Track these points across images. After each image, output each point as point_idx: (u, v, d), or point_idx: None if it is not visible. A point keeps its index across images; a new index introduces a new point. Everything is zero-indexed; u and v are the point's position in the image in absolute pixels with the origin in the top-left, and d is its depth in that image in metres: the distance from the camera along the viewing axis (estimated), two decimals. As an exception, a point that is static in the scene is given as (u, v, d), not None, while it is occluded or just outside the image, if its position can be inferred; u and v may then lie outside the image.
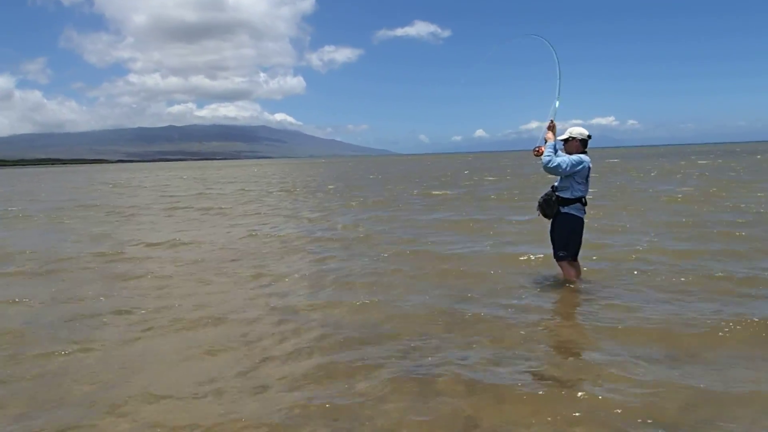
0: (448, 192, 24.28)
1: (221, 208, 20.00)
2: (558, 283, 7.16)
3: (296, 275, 8.52)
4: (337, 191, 27.91)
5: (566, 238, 6.77)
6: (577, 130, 6.73)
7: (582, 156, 6.59)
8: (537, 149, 6.73)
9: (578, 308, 6.39)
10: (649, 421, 3.74)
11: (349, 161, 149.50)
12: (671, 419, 3.77)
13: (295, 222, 15.48)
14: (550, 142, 6.68)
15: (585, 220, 6.88)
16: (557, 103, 6.98)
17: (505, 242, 10.71)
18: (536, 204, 7.01)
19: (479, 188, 26.34)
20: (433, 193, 24.13)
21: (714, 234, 10.60)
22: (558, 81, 7.08)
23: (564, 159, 6.48)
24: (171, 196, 28.63)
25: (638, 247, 9.40)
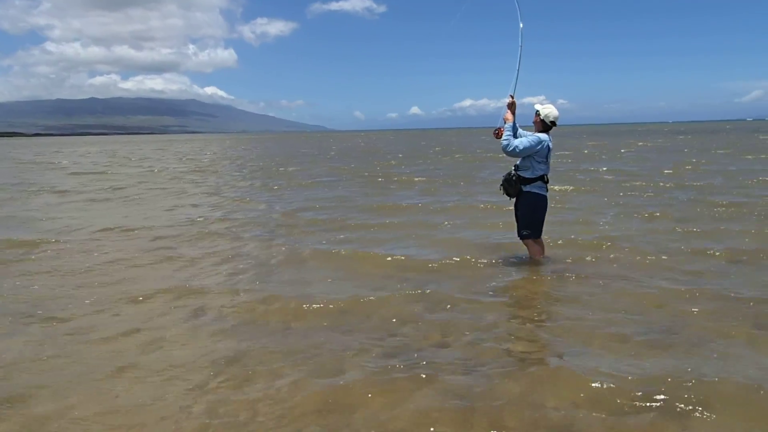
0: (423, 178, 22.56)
1: (121, 188, 18.32)
2: (524, 262, 7.19)
3: (212, 261, 7.86)
4: (264, 169, 26.38)
5: (530, 216, 6.80)
6: (546, 111, 6.72)
7: (541, 135, 6.63)
8: (497, 131, 6.72)
9: (547, 285, 6.41)
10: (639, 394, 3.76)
11: (283, 137, 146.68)
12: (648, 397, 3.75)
13: (216, 203, 14.17)
14: (509, 124, 6.66)
15: (548, 198, 6.95)
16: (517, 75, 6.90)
17: (444, 224, 10.26)
18: (499, 184, 7.04)
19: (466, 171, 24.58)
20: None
21: (672, 209, 10.98)
22: (520, 44, 7.01)
23: (522, 141, 6.54)
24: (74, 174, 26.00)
25: (598, 226, 9.63)
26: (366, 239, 9.10)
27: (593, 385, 3.88)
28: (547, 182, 6.81)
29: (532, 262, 7.06)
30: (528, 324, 5.28)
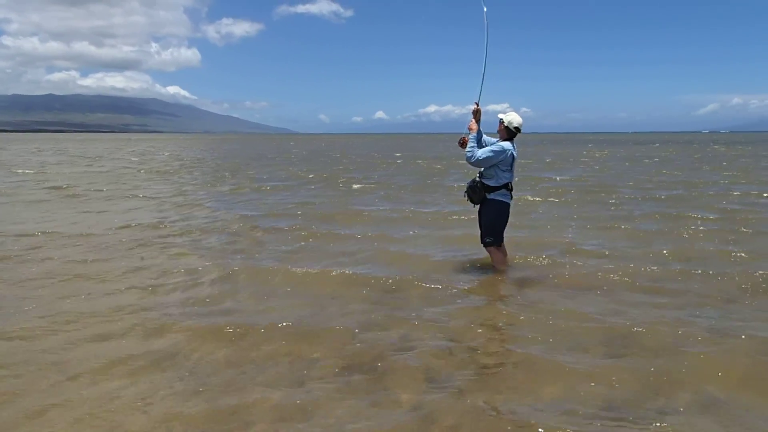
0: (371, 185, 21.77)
1: (60, 188, 17.27)
2: (487, 269, 7.15)
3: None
4: (222, 170, 25.44)
5: (493, 223, 6.84)
6: (510, 118, 6.72)
7: (504, 144, 6.64)
8: (462, 139, 6.74)
9: (510, 293, 6.41)
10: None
11: (245, 138, 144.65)
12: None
13: (163, 208, 13.32)
14: (473, 134, 6.65)
15: (511, 205, 6.96)
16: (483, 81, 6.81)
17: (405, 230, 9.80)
18: (463, 191, 7.08)
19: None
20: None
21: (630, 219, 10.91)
22: (486, 45, 6.90)
23: (486, 151, 6.55)
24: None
25: (561, 235, 9.51)
26: (322, 251, 8.45)
27: (553, 392, 3.97)
28: (511, 190, 6.83)
29: (495, 270, 7.05)
30: (491, 334, 5.22)
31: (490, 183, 6.74)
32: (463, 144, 6.72)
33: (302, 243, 8.99)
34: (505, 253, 7.16)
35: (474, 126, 6.65)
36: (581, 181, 19.13)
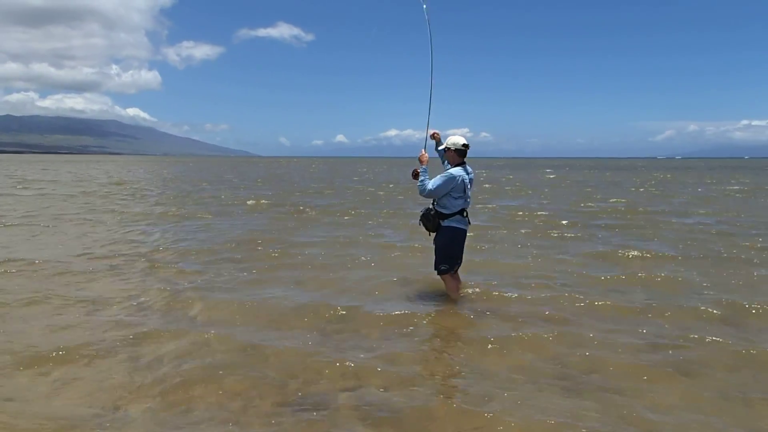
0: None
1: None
2: (441, 298, 7.04)
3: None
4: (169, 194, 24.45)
5: (446, 250, 6.72)
6: (452, 140, 6.67)
7: (454, 171, 6.53)
8: (414, 171, 6.70)
9: (465, 324, 6.27)
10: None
11: (204, 160, 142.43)
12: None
13: (98, 233, 12.63)
14: (424, 167, 6.64)
15: (468, 232, 6.85)
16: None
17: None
18: (418, 219, 6.98)
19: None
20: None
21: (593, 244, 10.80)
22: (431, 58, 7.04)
23: (435, 182, 6.48)
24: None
25: (517, 262, 9.42)
26: (270, 280, 8.14)
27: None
28: (466, 216, 6.69)
29: (449, 299, 6.94)
30: (446, 366, 5.11)
31: (444, 210, 6.61)
32: (415, 176, 6.65)
33: (247, 271, 8.61)
34: (458, 281, 7.07)
35: (424, 158, 6.63)
36: (536, 208, 19.07)
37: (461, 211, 6.61)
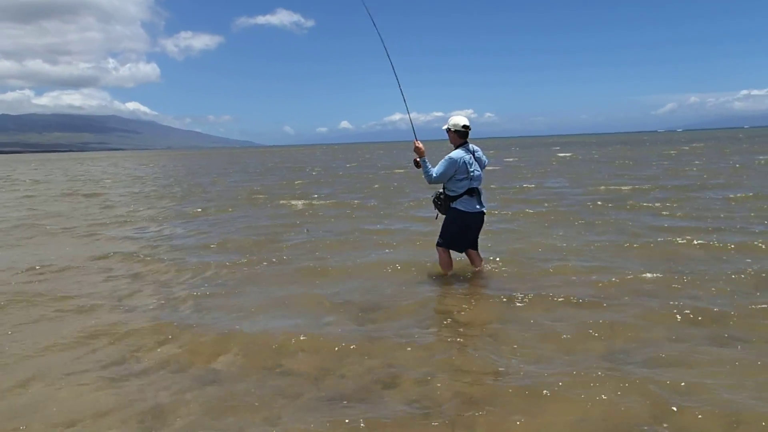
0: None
1: None
2: (468, 280, 7.01)
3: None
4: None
5: (448, 228, 6.86)
6: (453, 121, 6.70)
7: (454, 154, 6.60)
8: (415, 161, 6.81)
9: (498, 303, 6.14)
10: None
11: (207, 153, 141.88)
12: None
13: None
14: (423, 158, 6.68)
15: (482, 212, 6.89)
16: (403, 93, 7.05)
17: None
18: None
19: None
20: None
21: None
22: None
23: (438, 169, 6.61)
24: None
25: (544, 242, 9.20)
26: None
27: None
28: (475, 195, 6.73)
29: (478, 283, 6.90)
30: (485, 351, 4.81)
31: (450, 193, 6.75)
32: (418, 165, 6.76)
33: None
34: (474, 259, 7.15)
35: (420, 148, 6.61)
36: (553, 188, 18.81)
37: (469, 192, 6.68)
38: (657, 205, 13.04)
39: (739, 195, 13.99)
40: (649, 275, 6.81)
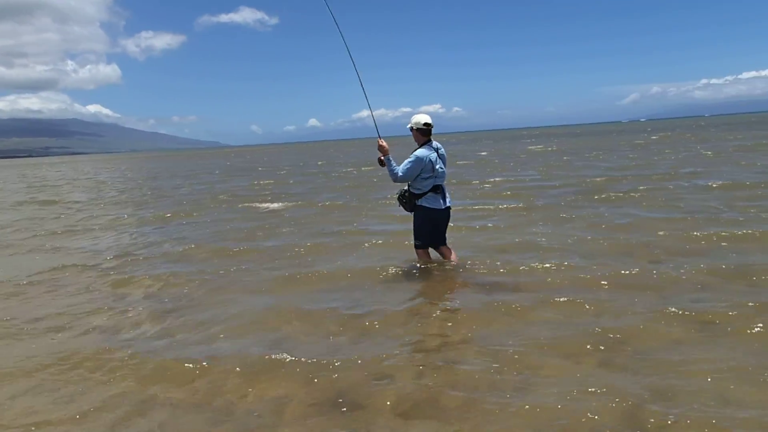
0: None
1: None
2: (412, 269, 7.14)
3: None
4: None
5: (418, 228, 6.97)
6: (415, 119, 6.75)
7: (419, 152, 6.66)
8: (379, 159, 6.82)
9: (478, 298, 6.08)
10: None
11: (170, 155, 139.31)
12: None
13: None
14: (387, 156, 6.72)
15: (448, 207, 6.95)
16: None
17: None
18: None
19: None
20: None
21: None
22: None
23: (403, 167, 6.64)
24: None
25: (523, 235, 9.14)
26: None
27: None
28: (440, 192, 6.81)
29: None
30: (475, 349, 4.72)
31: (415, 191, 6.82)
32: (382, 164, 6.78)
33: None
34: (446, 254, 7.18)
35: (384, 146, 6.66)
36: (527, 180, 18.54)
37: (434, 189, 6.76)
38: (634, 195, 12.95)
39: (715, 183, 13.98)
40: (627, 271, 6.66)
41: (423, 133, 6.74)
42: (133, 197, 21.52)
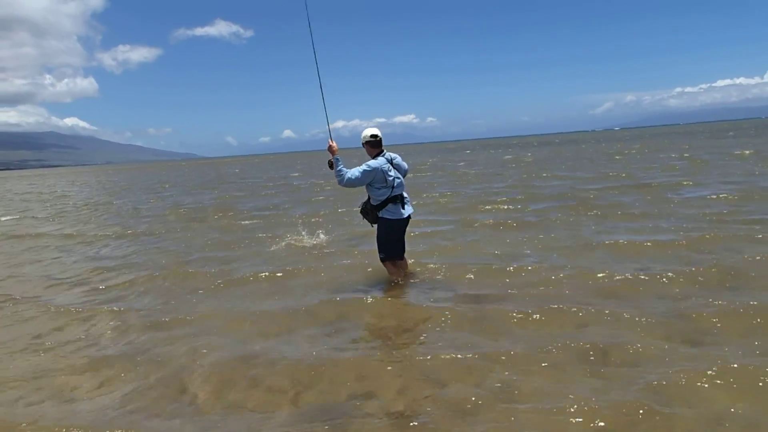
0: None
1: None
2: (382, 281, 7.18)
3: None
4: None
5: (382, 240, 6.94)
6: (363, 134, 6.83)
7: (372, 163, 6.66)
8: (329, 162, 6.72)
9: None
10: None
11: (144, 167, 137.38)
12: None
13: None
14: (336, 156, 6.66)
15: (410, 218, 6.95)
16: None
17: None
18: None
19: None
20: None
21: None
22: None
23: (354, 173, 6.59)
24: None
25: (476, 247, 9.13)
26: None
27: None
28: (400, 202, 6.81)
29: (396, 284, 7.04)
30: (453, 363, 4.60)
31: (374, 203, 6.82)
32: (331, 166, 6.68)
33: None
34: (404, 267, 7.26)
35: (334, 147, 6.64)
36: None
37: (392, 199, 6.75)
38: (622, 206, 12.61)
39: (705, 194, 13.86)
40: (617, 276, 6.70)
41: (372, 145, 6.79)
42: (96, 215, 20.07)
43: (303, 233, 10.81)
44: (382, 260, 7.09)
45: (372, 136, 6.74)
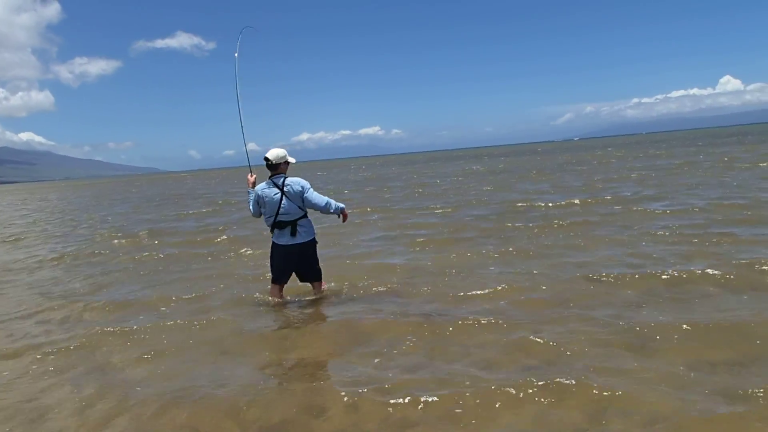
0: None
1: None
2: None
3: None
4: None
5: (270, 263, 7.03)
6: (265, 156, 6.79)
7: (257, 189, 6.79)
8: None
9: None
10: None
11: (102, 183, 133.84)
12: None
13: None
14: (249, 189, 6.96)
15: (297, 244, 6.77)
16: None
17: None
18: None
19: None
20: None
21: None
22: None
23: (250, 203, 6.91)
24: None
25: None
26: None
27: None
28: (281, 228, 6.68)
29: (276, 305, 7.05)
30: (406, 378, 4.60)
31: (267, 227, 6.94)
32: None
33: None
34: (318, 289, 7.15)
35: (249, 182, 6.93)
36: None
37: (278, 225, 6.68)
38: (582, 217, 12.64)
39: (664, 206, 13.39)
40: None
41: (270, 168, 6.70)
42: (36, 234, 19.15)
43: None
44: (271, 280, 7.12)
45: (264, 158, 6.66)
